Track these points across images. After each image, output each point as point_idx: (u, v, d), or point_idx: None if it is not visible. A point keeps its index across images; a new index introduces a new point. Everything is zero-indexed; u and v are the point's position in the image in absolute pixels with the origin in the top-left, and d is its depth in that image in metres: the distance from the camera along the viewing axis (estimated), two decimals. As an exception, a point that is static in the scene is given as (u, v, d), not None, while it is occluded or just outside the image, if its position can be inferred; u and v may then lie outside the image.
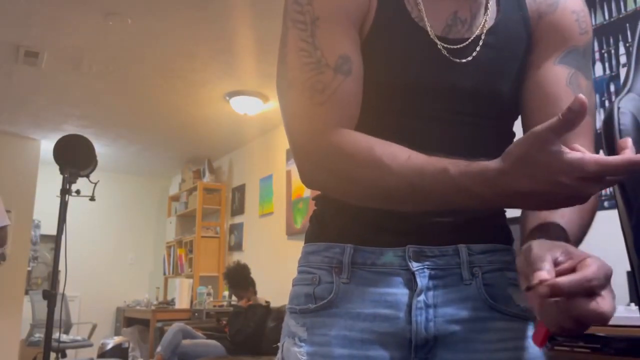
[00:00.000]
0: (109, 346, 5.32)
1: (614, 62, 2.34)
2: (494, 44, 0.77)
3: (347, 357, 0.74)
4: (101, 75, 3.97)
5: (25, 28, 3.26)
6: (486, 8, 0.77)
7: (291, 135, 0.74)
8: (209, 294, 5.33)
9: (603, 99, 2.36)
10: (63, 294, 2.45)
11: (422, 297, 0.75)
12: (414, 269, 0.75)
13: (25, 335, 5.41)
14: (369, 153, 0.68)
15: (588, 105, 0.61)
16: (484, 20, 0.77)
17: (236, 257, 5.58)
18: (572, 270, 0.54)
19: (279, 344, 0.83)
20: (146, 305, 5.94)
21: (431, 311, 0.75)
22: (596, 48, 2.41)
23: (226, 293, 5.26)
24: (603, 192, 2.30)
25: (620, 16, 2.32)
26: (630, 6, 2.29)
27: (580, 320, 0.53)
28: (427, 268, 0.76)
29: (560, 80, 0.76)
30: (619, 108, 0.89)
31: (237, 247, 5.76)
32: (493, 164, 0.61)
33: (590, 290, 0.53)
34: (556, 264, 0.56)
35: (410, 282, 0.75)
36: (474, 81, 0.76)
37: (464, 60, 0.75)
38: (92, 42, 3.47)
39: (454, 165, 0.63)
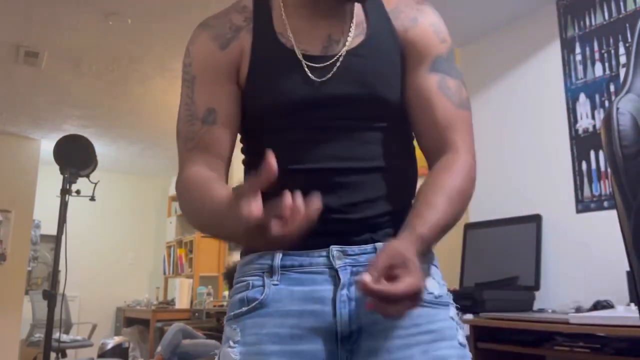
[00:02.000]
0: (109, 346, 5.33)
1: (613, 62, 2.34)
2: (366, 55, 0.89)
3: (278, 353, 0.81)
4: (101, 75, 3.97)
5: (26, 28, 3.26)
6: (349, 27, 0.91)
7: (178, 168, 0.94)
8: (209, 294, 5.33)
9: (603, 99, 2.36)
10: (63, 294, 2.45)
11: (344, 291, 0.83)
12: (337, 266, 0.84)
13: (25, 335, 5.41)
14: (197, 188, 0.84)
15: (460, 100, 0.89)
16: (351, 37, 0.90)
17: (236, 257, 5.58)
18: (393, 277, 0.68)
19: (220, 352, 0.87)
20: (146, 305, 5.94)
21: (354, 304, 0.82)
22: (596, 48, 2.41)
23: (226, 293, 5.26)
24: (603, 192, 2.30)
25: (620, 16, 2.32)
26: (630, 6, 2.29)
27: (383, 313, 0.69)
28: (349, 265, 0.84)
29: (432, 86, 0.89)
30: (617, 108, 0.89)
31: (237, 246, 5.75)
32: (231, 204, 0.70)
33: (389, 300, 0.67)
34: (391, 268, 0.69)
35: (334, 279, 0.83)
36: (346, 90, 0.87)
37: (327, 77, 0.87)
38: (92, 42, 3.47)
39: (223, 199, 0.74)
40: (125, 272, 6.88)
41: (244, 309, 0.85)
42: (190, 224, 0.88)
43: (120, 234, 6.94)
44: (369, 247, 0.85)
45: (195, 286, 5.61)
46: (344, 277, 0.83)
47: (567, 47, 2.53)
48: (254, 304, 0.84)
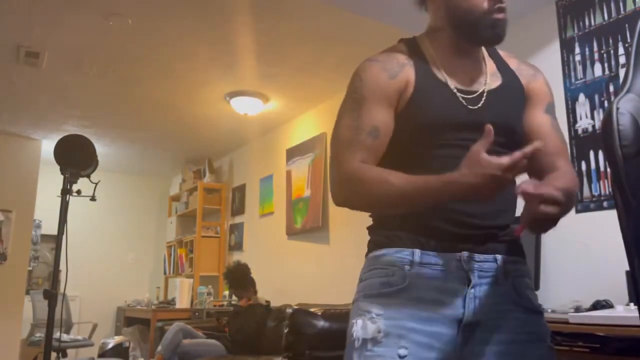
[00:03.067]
0: (110, 346, 5.33)
1: (613, 62, 2.34)
2: (504, 95, 1.17)
3: (416, 330, 1.03)
4: (102, 75, 3.97)
5: (26, 28, 3.27)
6: (485, 73, 1.20)
7: (331, 169, 1.14)
8: (209, 294, 5.33)
9: (602, 99, 2.36)
10: (64, 294, 2.45)
11: (473, 290, 1.06)
12: (467, 269, 1.07)
13: (26, 335, 5.41)
14: (376, 175, 1.07)
15: (563, 136, 1.21)
16: (489, 81, 1.19)
17: (236, 256, 5.58)
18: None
19: (351, 322, 1.09)
20: (147, 305, 5.94)
21: (477, 301, 1.05)
22: (595, 48, 2.42)
23: (226, 293, 5.26)
24: (602, 192, 2.31)
25: (620, 16, 2.33)
26: (630, 6, 2.30)
27: (535, 217, 0.96)
28: (477, 270, 1.07)
29: (547, 124, 1.20)
30: (617, 108, 0.89)
31: (238, 246, 5.76)
32: (456, 172, 0.98)
33: (544, 199, 0.94)
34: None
35: (464, 279, 1.06)
36: (491, 118, 1.07)
37: (476, 107, 1.14)
38: (92, 43, 3.48)
39: (433, 177, 1.00)
40: (125, 271, 6.89)
41: (387, 290, 1.07)
42: (365, 201, 1.10)
43: (121, 234, 6.94)
44: (490, 257, 1.09)
45: (196, 286, 5.62)
46: (474, 279, 1.06)
47: (567, 47, 2.53)
48: (397, 288, 1.06)
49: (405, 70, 1.15)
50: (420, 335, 1.02)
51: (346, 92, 1.18)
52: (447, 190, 0.98)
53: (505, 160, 0.92)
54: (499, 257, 1.09)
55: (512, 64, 1.24)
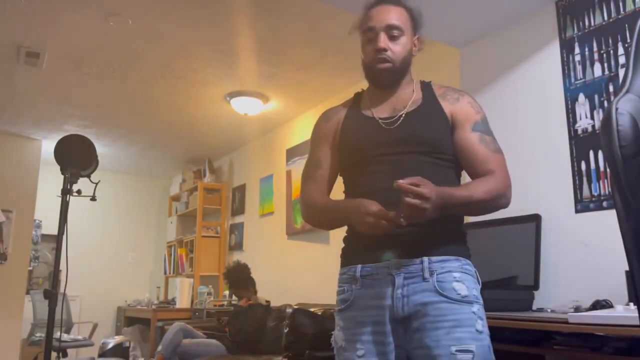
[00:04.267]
0: (110, 345, 5.33)
1: (612, 62, 2.34)
2: (418, 115, 1.43)
3: (366, 332, 1.32)
4: (102, 75, 3.97)
5: (26, 29, 3.27)
6: (408, 102, 1.46)
7: (301, 186, 1.57)
8: (209, 294, 5.34)
9: (602, 99, 2.36)
10: (64, 294, 2.45)
11: (399, 291, 1.30)
12: (395, 274, 1.32)
13: (26, 335, 5.42)
14: (312, 199, 1.48)
15: (495, 148, 1.43)
16: (409, 107, 1.45)
17: (236, 256, 5.58)
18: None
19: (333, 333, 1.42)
20: (147, 305, 5.95)
21: (405, 299, 1.30)
22: (595, 48, 2.42)
23: (226, 292, 5.26)
24: (602, 192, 2.31)
25: (620, 16, 2.33)
26: (630, 6, 2.30)
27: (404, 206, 1.18)
28: (403, 273, 1.31)
29: (474, 140, 1.41)
30: (617, 109, 0.89)
31: (238, 246, 5.76)
32: (354, 202, 1.32)
33: (411, 192, 1.17)
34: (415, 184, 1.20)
35: (392, 282, 1.31)
36: (404, 134, 1.39)
37: (393, 127, 1.42)
38: (92, 43, 3.48)
39: (342, 202, 1.40)
40: (126, 271, 6.89)
41: (342, 306, 1.38)
42: (313, 221, 1.52)
43: (121, 234, 6.94)
44: (417, 259, 1.31)
45: (196, 286, 5.62)
46: (398, 281, 1.30)
47: (566, 48, 2.53)
48: (347, 303, 1.37)
49: (338, 114, 1.54)
50: (370, 336, 1.31)
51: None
52: (345, 216, 1.33)
53: (374, 209, 1.23)
54: (425, 258, 1.31)
55: (439, 91, 1.48)
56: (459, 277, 1.31)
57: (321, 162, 1.51)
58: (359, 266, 1.36)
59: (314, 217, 1.50)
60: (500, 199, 1.35)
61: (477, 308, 1.31)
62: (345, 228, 1.47)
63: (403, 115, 1.42)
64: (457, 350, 1.24)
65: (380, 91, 1.48)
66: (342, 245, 1.47)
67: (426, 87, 1.51)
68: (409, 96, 1.47)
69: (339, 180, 1.56)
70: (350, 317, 1.35)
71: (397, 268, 1.31)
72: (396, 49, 1.42)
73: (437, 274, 1.30)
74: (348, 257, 1.42)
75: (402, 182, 1.16)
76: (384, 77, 1.44)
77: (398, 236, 1.29)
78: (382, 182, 1.30)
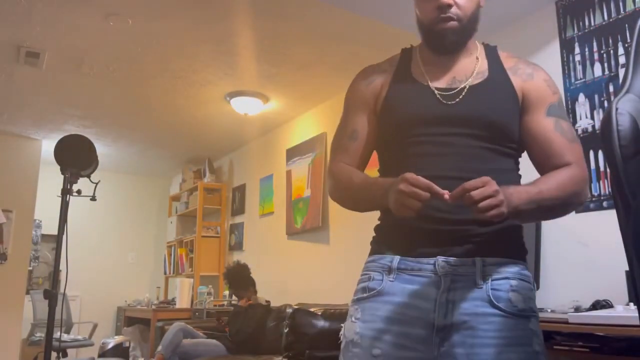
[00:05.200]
0: (110, 345, 5.33)
1: (613, 62, 2.34)
2: (484, 91, 1.18)
3: (387, 331, 1.09)
4: (102, 75, 3.97)
5: (26, 28, 3.27)
6: (472, 73, 1.21)
7: (330, 158, 1.31)
8: (209, 294, 5.33)
9: (602, 99, 2.36)
10: (64, 294, 2.45)
11: (445, 295, 1.08)
12: (441, 274, 1.09)
13: (26, 335, 5.42)
14: (345, 174, 1.22)
15: (573, 136, 1.18)
16: (473, 79, 1.20)
17: (236, 256, 5.58)
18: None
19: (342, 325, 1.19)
20: (147, 305, 5.94)
21: (450, 305, 1.07)
22: (595, 48, 2.42)
23: (226, 293, 5.26)
24: (602, 192, 2.31)
25: (620, 16, 2.33)
26: (630, 6, 2.30)
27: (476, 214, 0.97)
28: (450, 274, 1.08)
29: (549, 127, 1.17)
30: (617, 109, 0.89)
31: (238, 246, 5.76)
32: (388, 180, 1.08)
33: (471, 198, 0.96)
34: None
35: (437, 283, 1.09)
36: (465, 112, 1.15)
37: (453, 102, 1.17)
38: (92, 43, 3.48)
39: (380, 180, 1.14)
40: (126, 271, 6.89)
41: (365, 295, 1.15)
42: (342, 199, 1.25)
43: (121, 234, 6.94)
44: (468, 260, 1.09)
45: (196, 286, 5.62)
46: (445, 284, 1.08)
47: (567, 47, 2.53)
48: (373, 292, 1.14)
49: (383, 76, 1.27)
50: (393, 336, 1.08)
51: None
52: (382, 195, 1.08)
53: (423, 186, 0.99)
54: (477, 260, 1.09)
55: (509, 63, 1.23)
56: (516, 286, 1.09)
57: (357, 132, 1.25)
58: (397, 257, 1.13)
59: (345, 194, 1.24)
60: (577, 197, 1.12)
61: (534, 323, 1.09)
62: (376, 216, 1.26)
63: (466, 88, 1.17)
64: None
65: (438, 55, 1.23)
66: (374, 234, 1.25)
67: (492, 53, 1.26)
68: (472, 64, 1.22)
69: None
70: (374, 308, 1.12)
71: (444, 267, 1.09)
72: (463, 3, 1.16)
73: (491, 280, 1.08)
74: (382, 246, 1.19)
75: (470, 186, 0.96)
76: (449, 39, 1.17)
77: (447, 230, 1.10)
78: (431, 167, 1.10)
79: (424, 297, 1.09)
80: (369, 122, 1.25)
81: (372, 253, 1.21)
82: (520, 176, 1.22)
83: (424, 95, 1.19)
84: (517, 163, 1.23)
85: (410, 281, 1.11)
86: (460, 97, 1.16)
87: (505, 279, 1.09)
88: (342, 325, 1.18)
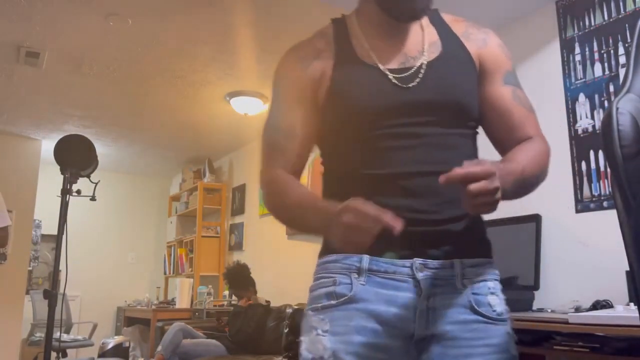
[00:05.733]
0: (110, 346, 5.33)
1: (613, 62, 2.34)
2: (444, 66, 1.01)
3: (363, 344, 0.92)
4: (102, 75, 3.97)
5: (26, 28, 3.27)
6: (423, 46, 1.04)
7: (260, 161, 1.11)
8: (209, 294, 5.33)
9: (602, 99, 2.36)
10: (64, 294, 2.45)
11: (425, 301, 0.94)
12: (420, 278, 0.95)
13: (26, 335, 5.41)
14: (281, 187, 1.04)
15: (529, 105, 1.06)
16: (427, 53, 1.03)
17: (236, 256, 5.58)
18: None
19: (300, 339, 0.98)
20: (147, 305, 5.94)
21: (430, 313, 0.94)
22: (595, 48, 2.42)
23: (226, 293, 5.26)
24: (602, 192, 2.31)
25: (620, 16, 2.33)
26: (630, 6, 2.30)
27: (467, 197, 0.82)
28: (430, 278, 0.95)
29: (507, 96, 1.05)
30: (617, 108, 0.89)
31: (238, 246, 5.76)
32: (330, 205, 0.91)
33: (469, 179, 0.81)
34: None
35: (417, 288, 0.94)
36: (428, 96, 0.99)
37: (411, 85, 0.99)
38: (92, 43, 3.48)
39: (320, 203, 1.00)
40: (125, 271, 6.89)
41: (333, 302, 0.96)
42: (277, 215, 1.06)
43: (121, 234, 6.94)
44: (447, 262, 0.96)
45: (196, 286, 5.61)
46: (426, 289, 0.94)
47: (567, 47, 2.53)
48: (343, 299, 0.95)
49: (322, 58, 1.04)
50: (369, 350, 0.93)
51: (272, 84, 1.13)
52: (321, 225, 0.92)
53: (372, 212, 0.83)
54: (456, 262, 0.97)
55: (459, 28, 1.08)
56: (493, 288, 1.00)
57: (295, 129, 1.05)
58: (366, 257, 0.96)
59: (279, 214, 1.05)
60: (546, 172, 1.03)
61: (509, 325, 1.00)
62: None
63: (423, 66, 1.01)
64: None
65: (383, 26, 1.04)
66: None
67: (436, 19, 1.09)
68: (419, 35, 1.05)
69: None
70: (345, 317, 0.94)
71: (422, 270, 0.95)
72: None
73: (471, 284, 0.97)
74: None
75: (461, 173, 0.81)
76: (420, 3, 1.00)
77: (422, 231, 0.96)
78: (396, 164, 0.97)
79: (402, 304, 0.94)
80: (309, 116, 1.04)
81: (329, 252, 1.01)
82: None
83: (376, 80, 1.00)
84: (476, 142, 1.08)
85: (384, 285, 0.95)
86: (419, 78, 0.99)
87: (483, 282, 0.99)
88: (303, 339, 0.97)
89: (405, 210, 0.92)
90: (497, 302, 0.99)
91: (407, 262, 0.95)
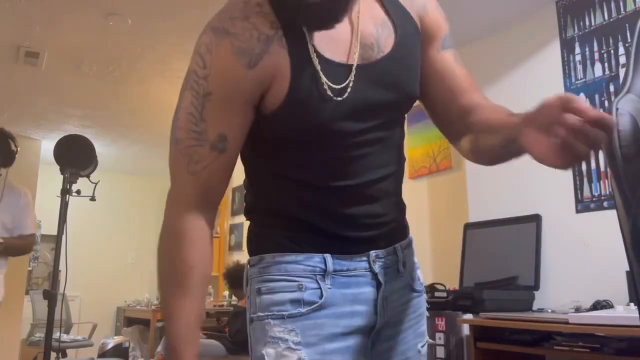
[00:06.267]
0: (110, 346, 5.33)
1: (613, 62, 2.34)
2: (400, 57, 0.89)
3: (335, 350, 0.87)
4: (102, 75, 3.97)
5: (26, 28, 3.27)
6: (375, 26, 0.89)
7: (170, 179, 0.94)
8: (209, 294, 5.33)
9: (602, 99, 2.36)
10: (63, 294, 2.45)
11: (381, 292, 0.92)
12: (377, 270, 0.92)
13: (25, 335, 5.41)
14: (177, 250, 0.85)
15: (464, 65, 0.97)
16: (383, 41, 0.88)
17: (236, 257, 5.58)
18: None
19: (260, 353, 0.86)
20: (146, 305, 5.94)
21: (386, 302, 0.93)
22: (595, 48, 2.42)
23: (226, 293, 5.26)
24: (602, 192, 2.31)
25: (620, 16, 2.33)
26: (630, 6, 2.30)
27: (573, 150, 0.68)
28: (382, 268, 0.93)
29: (450, 61, 0.96)
30: (617, 109, 0.89)
31: (237, 247, 5.76)
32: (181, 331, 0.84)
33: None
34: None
35: (374, 281, 0.92)
36: (390, 97, 0.88)
37: (374, 84, 0.87)
38: (92, 43, 3.48)
39: (185, 316, 0.84)
40: (125, 271, 6.89)
41: (302, 309, 0.86)
42: (158, 270, 0.87)
43: (121, 234, 6.94)
44: (391, 249, 0.95)
45: (196, 286, 5.61)
46: (383, 280, 0.92)
47: (567, 47, 2.53)
48: (314, 306, 0.87)
49: (272, 52, 0.80)
50: (342, 355, 0.87)
51: (185, 78, 0.86)
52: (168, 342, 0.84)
53: None
54: (397, 247, 0.95)
55: None
56: (417, 262, 1.02)
57: (227, 140, 0.84)
58: (328, 256, 0.88)
59: (160, 281, 0.87)
60: None
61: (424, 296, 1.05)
62: None
63: (383, 61, 0.87)
64: (421, 347, 0.99)
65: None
66: (268, 212, 0.94)
67: None
68: (369, 12, 0.89)
69: None
70: (317, 326, 0.86)
71: (375, 262, 0.92)
72: None
73: (408, 264, 0.98)
74: (301, 241, 0.89)
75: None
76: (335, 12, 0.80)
77: (378, 233, 0.93)
78: (367, 172, 0.90)
79: (364, 300, 0.90)
80: (244, 123, 0.84)
81: (283, 249, 0.89)
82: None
83: (340, 78, 0.83)
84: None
85: (347, 284, 0.89)
86: (381, 77, 0.87)
87: (411, 256, 1.00)
88: (264, 352, 0.85)
89: (365, 217, 0.91)
90: (420, 274, 1.02)
91: (364, 257, 0.91)
